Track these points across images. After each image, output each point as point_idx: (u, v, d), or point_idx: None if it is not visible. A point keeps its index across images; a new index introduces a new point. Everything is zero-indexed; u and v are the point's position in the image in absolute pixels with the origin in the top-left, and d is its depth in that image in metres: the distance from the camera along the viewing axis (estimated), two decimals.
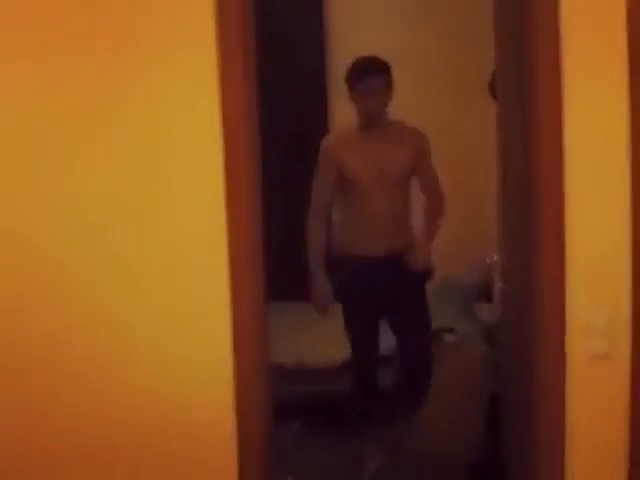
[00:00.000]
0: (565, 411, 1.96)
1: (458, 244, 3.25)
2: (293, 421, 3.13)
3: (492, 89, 2.93)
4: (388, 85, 2.93)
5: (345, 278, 3.06)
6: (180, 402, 2.07)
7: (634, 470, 1.93)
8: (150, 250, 2.00)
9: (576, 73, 1.84)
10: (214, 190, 1.93)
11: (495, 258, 3.04)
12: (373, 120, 2.96)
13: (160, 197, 1.99)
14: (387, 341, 3.17)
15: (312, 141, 3.09)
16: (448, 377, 3.23)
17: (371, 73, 2.88)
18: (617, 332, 1.91)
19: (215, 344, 2.02)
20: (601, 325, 1.91)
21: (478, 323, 3.51)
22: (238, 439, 2.06)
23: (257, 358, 2.06)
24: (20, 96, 1.94)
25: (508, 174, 2.61)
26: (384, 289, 3.03)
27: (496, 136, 2.80)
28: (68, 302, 2.02)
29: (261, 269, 2.07)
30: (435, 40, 3.44)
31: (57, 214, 1.99)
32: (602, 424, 1.97)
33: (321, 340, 3.46)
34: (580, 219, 1.92)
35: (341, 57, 3.35)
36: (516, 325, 2.45)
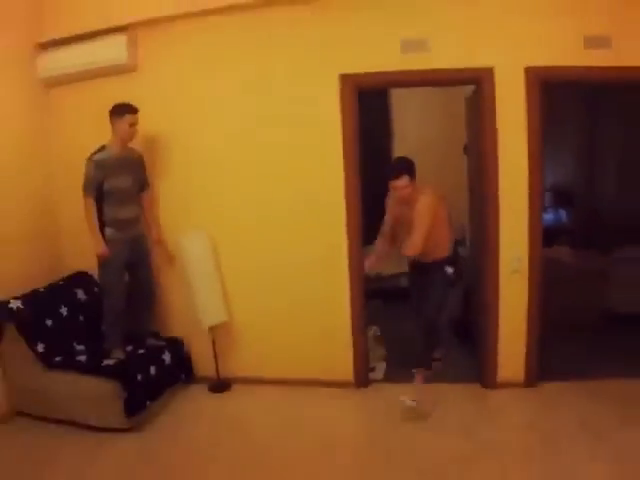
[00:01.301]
0: (498, 297, 3.69)
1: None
2: (375, 299, 4.93)
3: (466, 151, 4.53)
4: (410, 178, 3.51)
5: (409, 270, 4.15)
6: (319, 293, 3.92)
7: (529, 322, 3.67)
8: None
9: (504, 141, 3.56)
10: (338, 188, 3.80)
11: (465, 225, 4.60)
12: (401, 202, 3.66)
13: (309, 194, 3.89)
14: None
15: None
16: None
17: (394, 176, 3.53)
18: (523, 260, 3.64)
19: (340, 265, 3.86)
20: (516, 256, 3.64)
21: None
22: (351, 307, 3.91)
23: (358, 270, 3.90)
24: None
25: (472, 191, 4.32)
26: (421, 278, 3.84)
27: (467, 175, 4.47)
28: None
29: (360, 226, 3.84)
30: (442, 128, 5.80)
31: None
32: (516, 302, 3.68)
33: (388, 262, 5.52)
34: (505, 210, 3.60)
35: (399, 140, 5.49)
36: (476, 257, 4.07)
